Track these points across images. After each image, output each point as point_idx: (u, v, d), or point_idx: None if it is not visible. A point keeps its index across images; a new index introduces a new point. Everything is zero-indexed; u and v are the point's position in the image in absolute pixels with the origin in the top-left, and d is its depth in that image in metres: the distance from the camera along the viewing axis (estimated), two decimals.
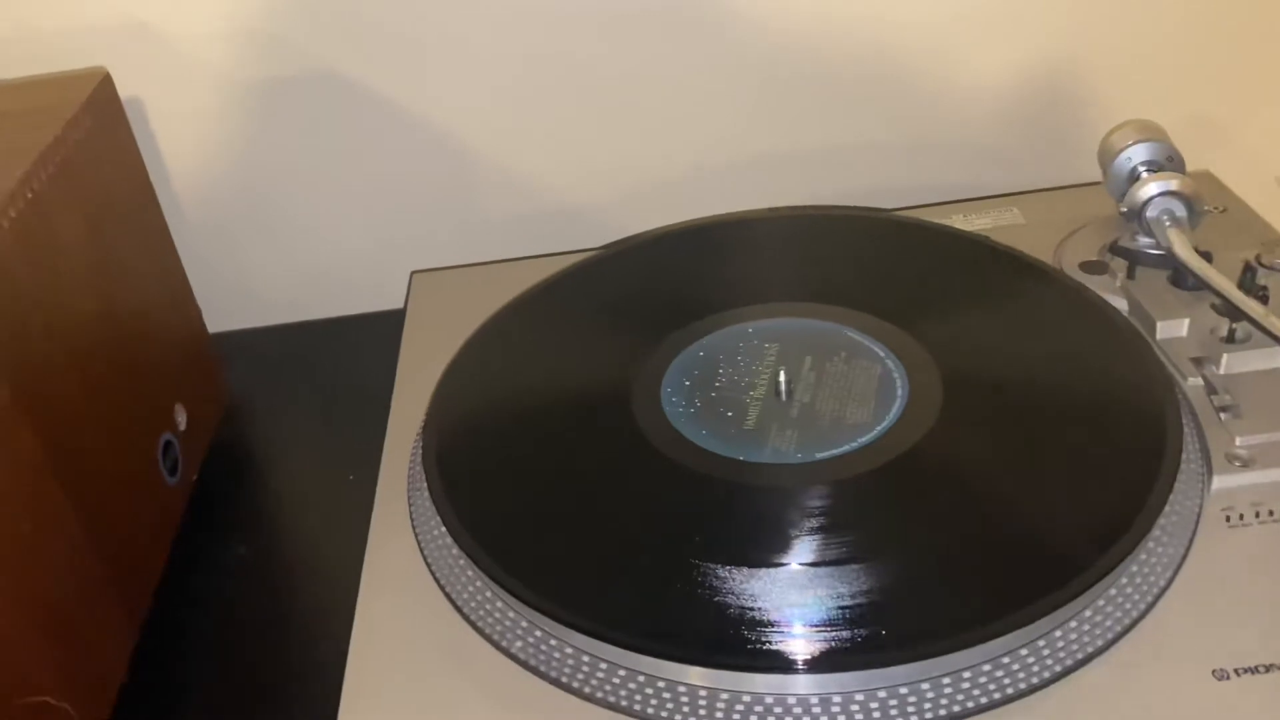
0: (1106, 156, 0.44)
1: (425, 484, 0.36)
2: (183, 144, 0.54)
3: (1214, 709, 0.28)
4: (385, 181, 0.57)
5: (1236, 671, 0.29)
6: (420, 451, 0.38)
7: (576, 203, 0.57)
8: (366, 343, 0.55)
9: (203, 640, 0.40)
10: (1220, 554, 0.32)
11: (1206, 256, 0.40)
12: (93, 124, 0.41)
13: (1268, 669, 0.29)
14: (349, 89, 0.54)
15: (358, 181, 0.56)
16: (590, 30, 0.53)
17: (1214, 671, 0.29)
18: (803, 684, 0.29)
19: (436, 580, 0.34)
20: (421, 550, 0.35)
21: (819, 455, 0.35)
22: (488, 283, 0.47)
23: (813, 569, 0.31)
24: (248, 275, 0.58)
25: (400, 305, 0.49)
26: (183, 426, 0.45)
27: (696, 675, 0.29)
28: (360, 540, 0.36)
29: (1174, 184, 0.41)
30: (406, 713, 0.31)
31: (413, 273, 0.51)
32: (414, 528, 0.36)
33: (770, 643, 0.29)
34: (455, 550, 0.34)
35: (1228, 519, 0.33)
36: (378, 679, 0.32)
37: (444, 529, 0.34)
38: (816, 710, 0.28)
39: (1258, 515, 0.33)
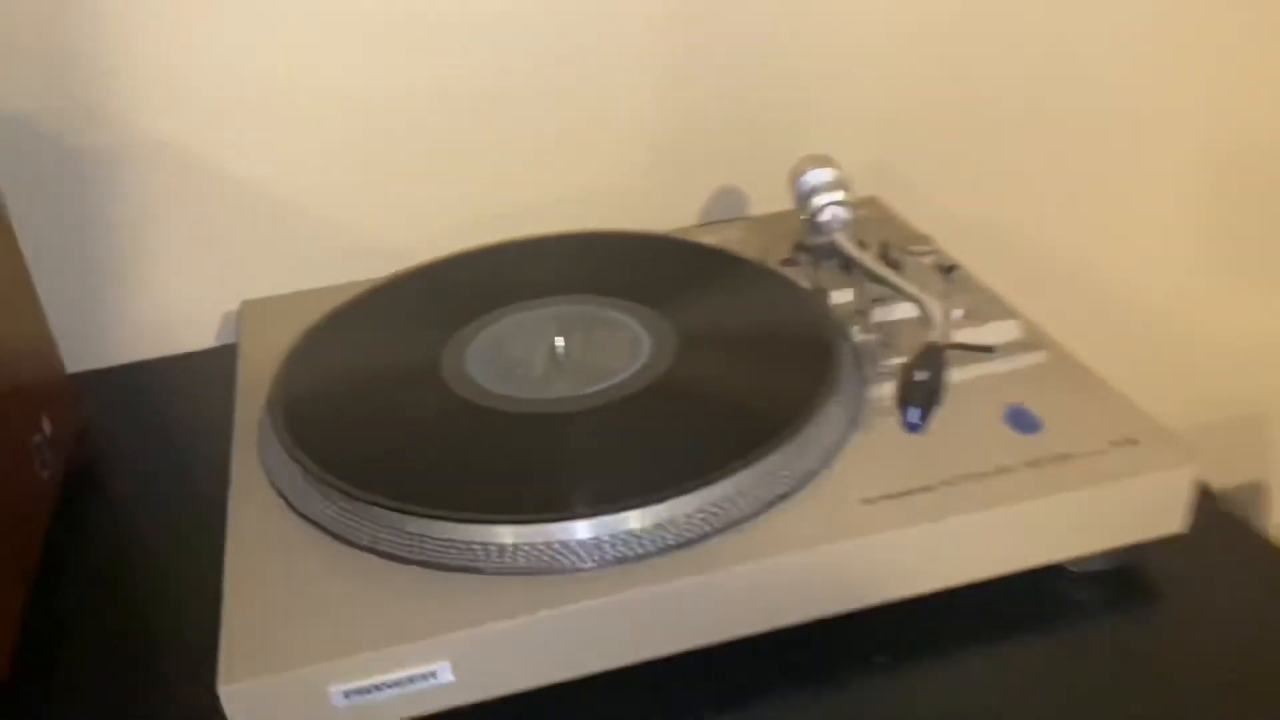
0: (793, 178, 0.58)
1: (274, 434, 0.45)
2: (34, 209, 0.61)
3: (863, 522, 0.41)
4: (219, 231, 0.65)
5: (879, 499, 0.42)
6: (268, 416, 0.47)
7: (395, 244, 0.68)
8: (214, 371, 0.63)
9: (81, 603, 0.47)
10: (872, 432, 0.45)
11: (885, 252, 0.55)
12: None
13: (897, 495, 0.42)
14: (178, 151, 0.63)
15: (196, 231, 0.65)
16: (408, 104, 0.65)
17: (863, 499, 0.42)
18: (582, 528, 0.39)
19: (290, 505, 0.43)
20: (275, 486, 0.44)
21: (588, 390, 0.46)
22: (314, 306, 0.56)
23: (587, 452, 0.42)
24: (99, 320, 0.65)
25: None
26: (49, 433, 0.52)
27: (508, 533, 0.40)
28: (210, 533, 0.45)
29: (839, 195, 0.56)
30: (281, 606, 0.39)
31: (243, 302, 0.60)
32: (266, 470, 0.45)
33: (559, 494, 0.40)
34: (305, 477, 0.43)
35: (877, 412, 0.46)
36: (252, 585, 0.40)
37: (293, 463, 0.44)
38: (586, 546, 0.39)
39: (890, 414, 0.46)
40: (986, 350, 0.47)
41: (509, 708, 0.39)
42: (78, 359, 0.62)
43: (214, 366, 0.64)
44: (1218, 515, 0.47)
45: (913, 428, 0.42)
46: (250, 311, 0.59)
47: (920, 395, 0.42)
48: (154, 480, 0.55)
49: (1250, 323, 0.90)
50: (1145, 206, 0.83)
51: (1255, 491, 0.97)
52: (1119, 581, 0.45)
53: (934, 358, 0.44)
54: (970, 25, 0.72)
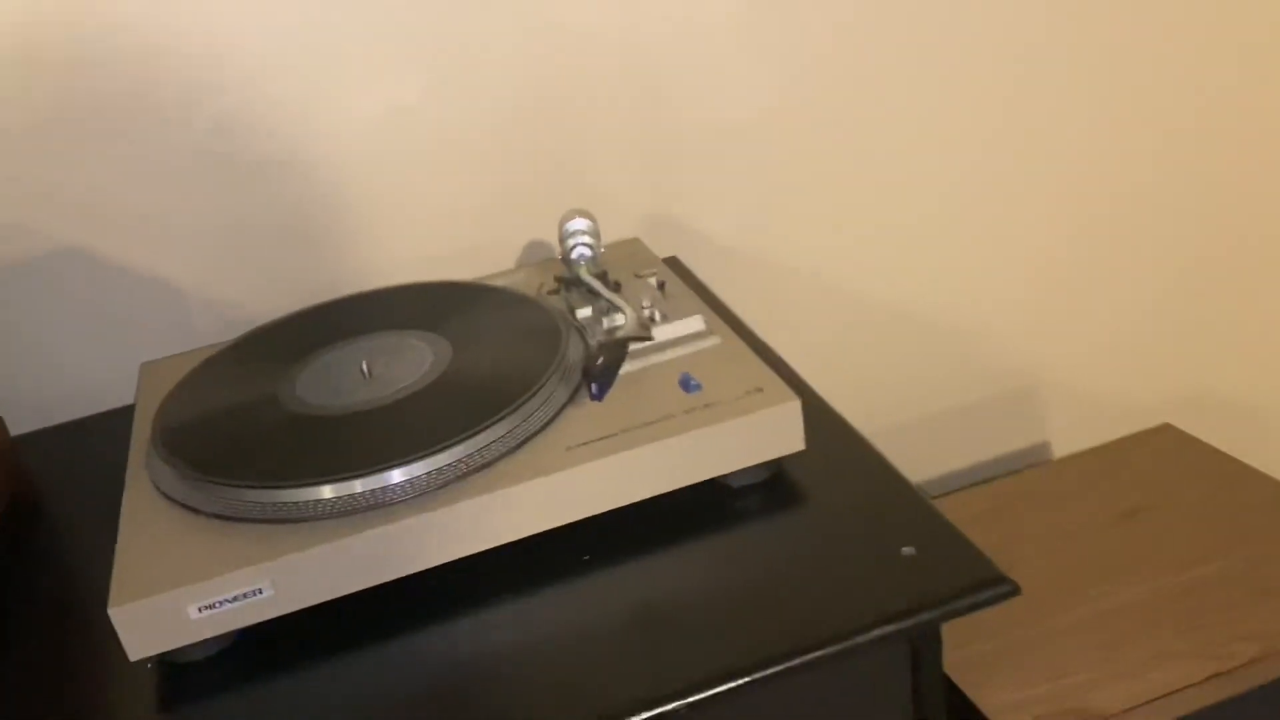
0: (559, 225, 0.76)
1: (152, 443, 0.63)
2: None
3: (562, 461, 0.58)
4: (119, 310, 0.83)
5: (574, 446, 0.59)
6: (151, 432, 0.64)
7: (261, 310, 0.86)
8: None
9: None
10: (584, 405, 0.62)
11: (603, 276, 0.73)
12: None
13: (589, 442, 0.59)
14: (84, 256, 0.81)
15: (103, 309, 0.83)
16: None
17: (567, 447, 0.59)
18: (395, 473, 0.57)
19: (162, 493, 0.60)
20: (153, 482, 0.61)
21: (383, 394, 0.64)
22: (193, 361, 0.73)
23: (386, 431, 0.60)
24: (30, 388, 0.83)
25: None
26: None
27: (303, 493, 0.57)
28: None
29: (585, 239, 0.74)
30: (153, 556, 0.56)
31: (141, 363, 0.77)
32: (149, 471, 0.62)
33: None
34: (176, 474, 0.60)
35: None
36: (135, 543, 0.57)
37: (162, 461, 0.61)
38: (398, 489, 0.56)
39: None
40: (647, 339, 0.65)
41: (317, 616, 0.56)
42: (15, 423, 0.79)
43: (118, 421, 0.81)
44: (846, 432, 0.65)
45: (594, 396, 0.60)
46: (147, 370, 0.76)
47: (595, 373, 0.60)
48: (78, 517, 0.72)
49: (1016, 303, 1.08)
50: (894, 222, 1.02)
51: (1042, 449, 1.15)
52: (767, 490, 0.62)
53: (614, 347, 0.62)
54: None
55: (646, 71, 0.89)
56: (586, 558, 0.59)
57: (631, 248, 0.82)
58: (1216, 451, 0.96)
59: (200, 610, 0.54)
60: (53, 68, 0.76)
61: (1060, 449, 1.15)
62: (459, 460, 0.58)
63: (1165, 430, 1.00)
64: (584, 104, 0.89)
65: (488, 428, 0.59)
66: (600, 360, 0.60)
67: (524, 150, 0.89)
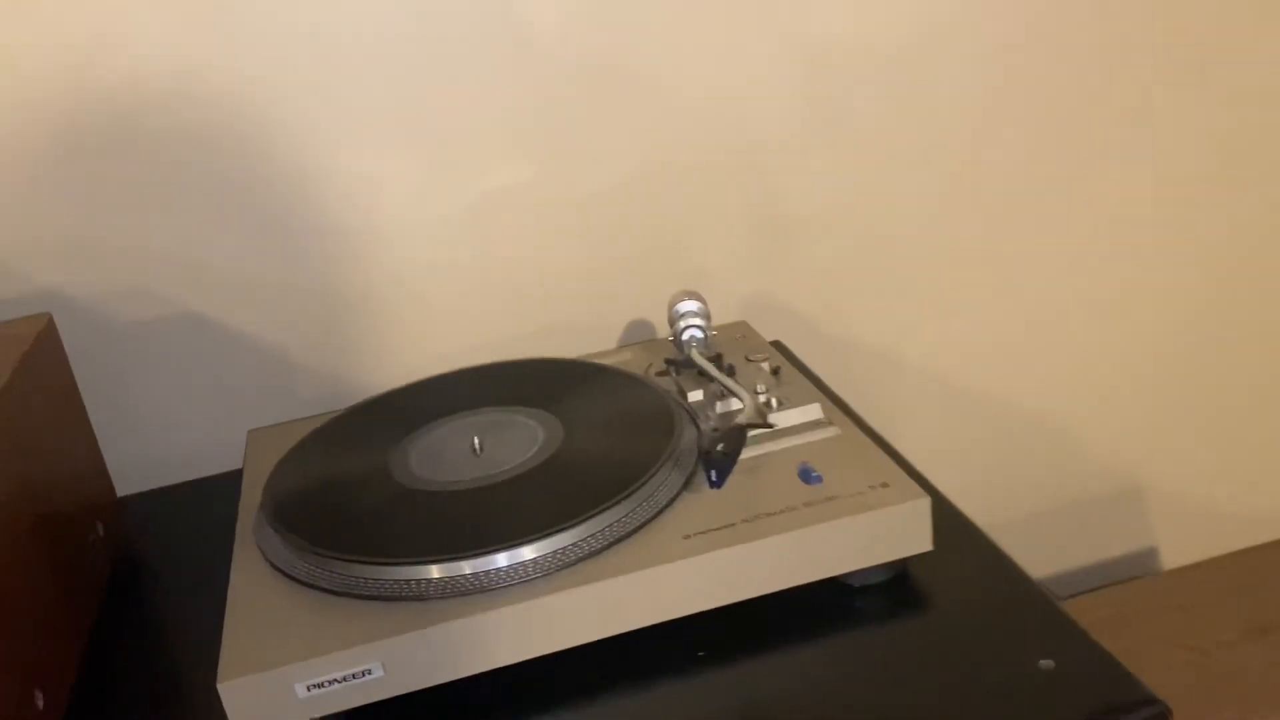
0: (669, 307, 0.75)
1: (263, 516, 0.62)
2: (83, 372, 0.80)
3: (679, 550, 0.56)
4: (227, 375, 0.84)
5: (691, 535, 0.57)
6: (261, 504, 0.64)
7: (367, 383, 0.86)
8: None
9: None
10: (701, 491, 0.61)
11: (717, 359, 0.72)
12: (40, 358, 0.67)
13: (706, 531, 0.57)
14: (196, 322, 0.82)
15: (211, 374, 0.83)
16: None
17: (684, 535, 0.57)
18: (504, 557, 0.55)
19: (273, 565, 0.59)
20: (263, 554, 0.61)
21: (493, 472, 0.63)
22: (300, 430, 0.73)
23: (496, 511, 0.59)
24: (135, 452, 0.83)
25: None
26: (102, 534, 0.69)
27: (410, 571, 0.55)
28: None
29: (697, 320, 0.73)
30: (262, 630, 0.55)
31: (249, 431, 0.77)
32: (259, 544, 0.61)
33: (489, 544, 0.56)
34: (285, 547, 0.59)
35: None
36: (243, 617, 0.56)
37: (274, 533, 0.60)
38: (509, 572, 0.55)
39: None
40: (769, 427, 0.63)
41: (424, 699, 0.54)
42: (121, 484, 0.80)
43: (222, 487, 0.81)
44: (972, 534, 0.62)
45: (713, 484, 0.58)
46: (254, 438, 0.76)
47: (716, 460, 0.58)
48: (183, 578, 0.72)
49: (1115, 409, 1.05)
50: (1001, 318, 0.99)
51: (1150, 555, 1.10)
52: (890, 590, 0.59)
53: (734, 433, 0.60)
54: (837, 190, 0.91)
55: (752, 150, 0.88)
56: (701, 654, 0.57)
57: (739, 330, 0.81)
58: None
59: (308, 689, 0.53)
60: (162, 136, 0.78)
61: (1171, 557, 1.10)
62: (573, 545, 0.57)
63: None
64: (688, 183, 0.88)
65: (601, 512, 0.58)
66: (720, 446, 0.59)
67: (627, 227, 0.89)
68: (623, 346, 0.82)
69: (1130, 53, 0.93)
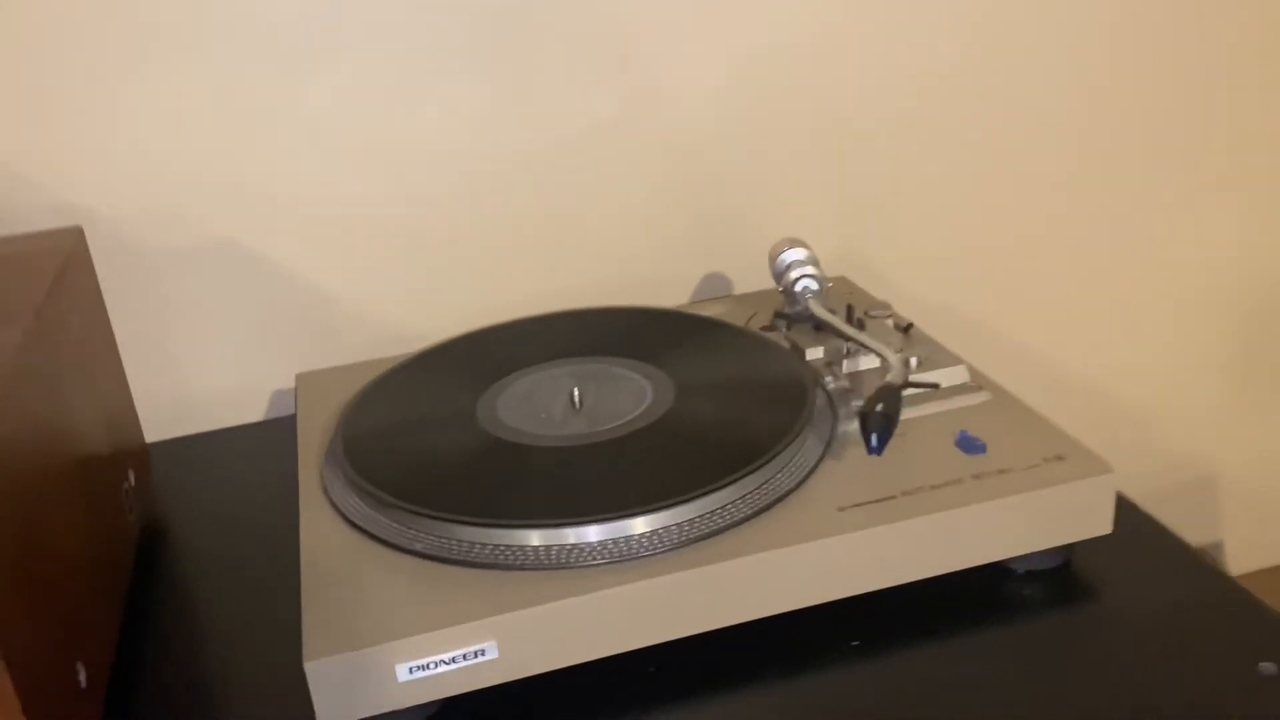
0: (771, 258, 0.67)
1: (338, 466, 0.53)
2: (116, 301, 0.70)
3: (837, 524, 0.49)
4: (262, 323, 0.75)
5: (850, 507, 0.50)
6: (332, 454, 0.55)
7: (420, 330, 0.77)
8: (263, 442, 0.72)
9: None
10: (843, 459, 0.53)
11: (848, 313, 0.64)
12: (73, 277, 0.57)
13: (863, 504, 0.50)
14: (235, 251, 0.72)
15: (247, 309, 0.74)
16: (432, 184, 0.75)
17: (838, 508, 0.50)
18: (593, 531, 0.47)
19: (352, 524, 0.51)
20: (338, 510, 0.52)
21: (599, 429, 0.55)
22: (360, 377, 0.65)
23: (600, 474, 0.50)
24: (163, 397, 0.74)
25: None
26: (134, 483, 0.60)
27: (535, 536, 0.47)
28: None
29: (809, 269, 0.66)
30: (351, 601, 0.47)
31: (298, 374, 0.68)
32: (331, 498, 0.53)
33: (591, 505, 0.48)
34: (365, 502, 0.51)
35: (848, 443, 0.54)
36: (324, 585, 0.48)
37: (356, 487, 0.52)
38: (598, 547, 0.47)
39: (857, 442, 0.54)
40: (933, 386, 0.56)
41: (543, 687, 0.46)
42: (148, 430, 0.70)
43: (262, 438, 0.73)
44: (1142, 523, 0.55)
45: (872, 450, 0.50)
46: (305, 381, 0.67)
47: (878, 423, 0.50)
48: (213, 532, 0.63)
49: (1198, 396, 0.99)
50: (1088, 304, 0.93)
51: (1215, 548, 1.05)
52: (1058, 579, 0.52)
53: (890, 394, 0.52)
54: (937, 119, 0.83)
55: (841, 105, 0.81)
56: (855, 643, 0.49)
57: (844, 286, 0.73)
58: None
59: (411, 671, 0.44)
60: (217, 35, 0.68)
61: (1236, 557, 1.05)
62: (714, 512, 0.49)
63: None
64: (773, 133, 0.80)
65: (743, 477, 0.50)
66: (880, 407, 0.51)
67: (706, 177, 0.80)
68: (713, 299, 0.74)
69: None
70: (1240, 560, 1.05)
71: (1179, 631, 0.49)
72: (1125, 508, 0.55)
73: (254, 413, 0.76)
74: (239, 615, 0.55)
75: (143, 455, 0.65)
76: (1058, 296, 0.92)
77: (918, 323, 0.65)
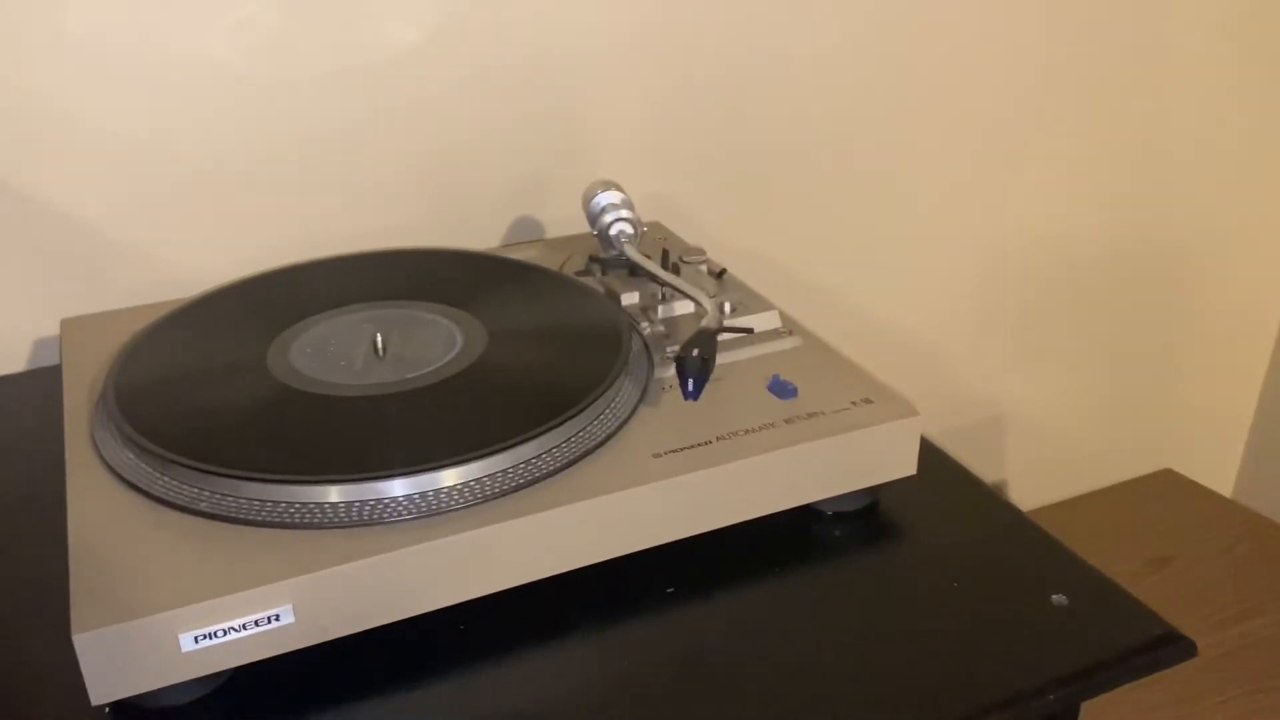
0: (585, 200, 0.65)
1: (109, 418, 0.48)
2: None
3: (653, 471, 0.47)
4: (28, 261, 0.67)
5: (665, 453, 0.49)
6: (103, 403, 0.50)
7: (200, 270, 0.71)
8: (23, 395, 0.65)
9: None
10: (659, 405, 0.52)
11: (662, 258, 0.63)
12: None
13: (679, 450, 0.49)
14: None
15: (4, 260, 0.66)
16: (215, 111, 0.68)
17: (653, 454, 0.48)
18: (399, 485, 0.45)
19: (126, 482, 0.46)
20: (111, 467, 0.47)
21: (405, 376, 0.52)
22: (133, 322, 0.59)
23: (406, 426, 0.47)
24: None
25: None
26: None
27: (334, 492, 0.44)
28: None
29: (624, 213, 0.64)
30: (126, 566, 0.42)
31: (62, 320, 0.62)
32: (101, 455, 0.48)
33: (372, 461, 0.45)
34: (142, 460, 0.46)
35: (664, 389, 0.53)
36: (95, 549, 0.43)
37: (128, 441, 0.47)
38: (404, 501, 0.44)
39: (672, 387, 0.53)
40: (748, 331, 0.56)
41: (345, 651, 0.43)
42: None
43: (24, 390, 0.65)
44: (945, 464, 0.57)
45: (689, 395, 0.50)
46: (71, 327, 0.61)
47: (694, 368, 0.50)
48: None
49: (986, 345, 1.04)
50: (891, 255, 0.95)
51: (999, 487, 1.11)
52: (865, 521, 0.53)
53: (706, 339, 0.51)
54: (759, 76, 0.83)
55: (663, 45, 0.79)
56: (670, 590, 0.49)
57: (658, 231, 0.72)
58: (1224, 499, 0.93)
59: (196, 640, 0.41)
60: None
61: (1021, 490, 1.11)
62: (526, 463, 0.47)
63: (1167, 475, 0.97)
64: (592, 68, 0.78)
65: (557, 426, 0.48)
66: (696, 352, 0.50)
67: (523, 112, 0.77)
68: (524, 243, 0.72)
69: None
70: (1022, 497, 1.11)
71: (979, 566, 0.51)
72: (926, 448, 0.56)
73: (13, 363, 0.68)
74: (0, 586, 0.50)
75: None
76: (866, 246, 0.94)
77: (730, 269, 0.65)
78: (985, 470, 1.10)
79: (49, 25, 0.63)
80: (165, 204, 0.69)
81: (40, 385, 0.63)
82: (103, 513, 0.45)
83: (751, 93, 0.83)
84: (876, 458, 0.52)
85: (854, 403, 0.52)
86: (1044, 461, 1.11)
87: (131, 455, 0.47)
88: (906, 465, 0.53)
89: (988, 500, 0.55)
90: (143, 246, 0.70)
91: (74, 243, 0.68)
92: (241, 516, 0.44)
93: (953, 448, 0.61)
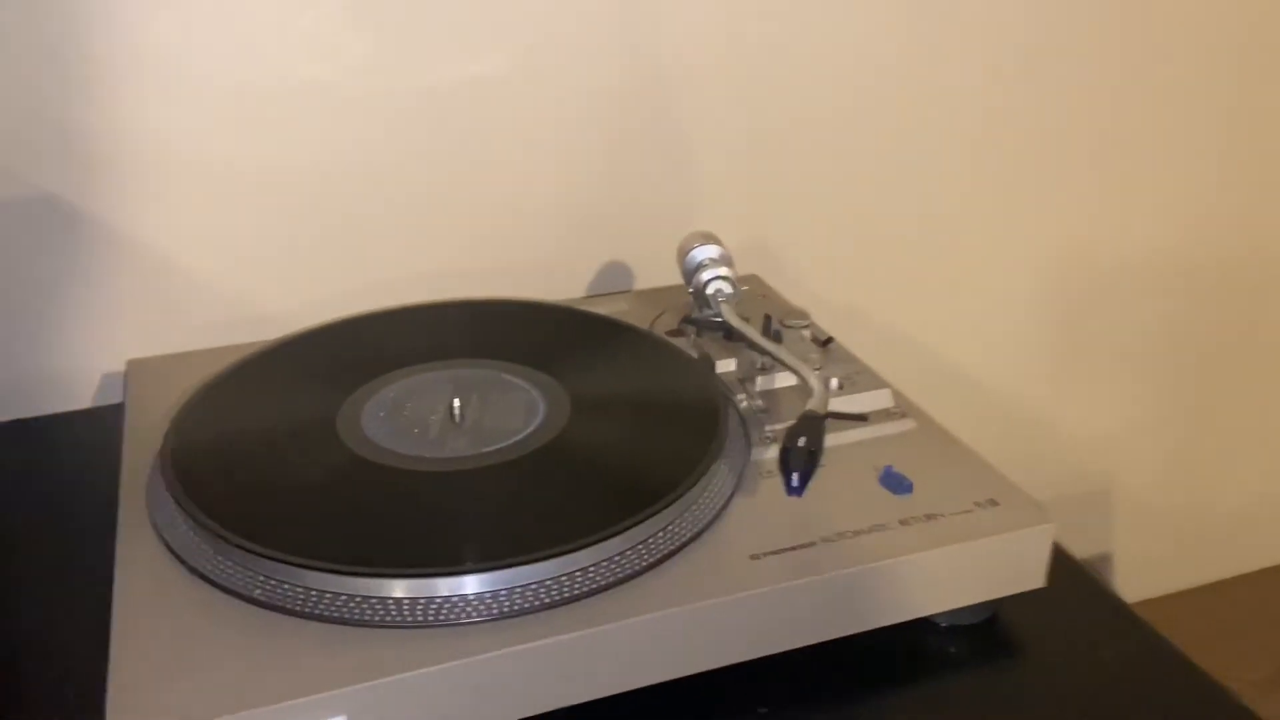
0: (680, 254, 0.61)
1: (164, 486, 0.45)
2: None
3: (750, 577, 0.42)
4: (100, 291, 0.64)
5: (764, 555, 0.44)
6: (158, 468, 0.46)
7: (281, 310, 0.67)
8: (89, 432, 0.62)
9: None
10: (756, 493, 0.47)
11: (765, 324, 0.58)
12: None
13: (779, 551, 0.44)
14: (62, 209, 0.62)
15: (75, 289, 0.64)
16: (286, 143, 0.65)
17: (750, 555, 0.43)
18: (471, 582, 0.40)
19: (179, 559, 0.43)
20: (163, 539, 0.44)
21: (483, 450, 0.48)
22: (203, 366, 0.56)
23: (479, 509, 0.43)
24: None
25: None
26: None
27: (399, 587, 0.40)
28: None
29: (723, 270, 0.59)
30: (170, 660, 0.39)
31: (128, 361, 0.59)
32: (155, 523, 0.44)
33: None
34: (193, 529, 0.43)
35: (761, 475, 0.48)
36: (140, 639, 0.39)
37: (182, 514, 0.43)
38: (475, 601, 0.40)
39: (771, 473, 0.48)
40: (861, 419, 0.50)
41: None
42: None
43: (90, 427, 0.63)
44: (1074, 573, 0.51)
45: (793, 491, 0.44)
46: (137, 370, 0.58)
47: (800, 461, 0.44)
48: (23, 536, 0.53)
49: (1093, 409, 0.97)
50: (993, 302, 0.89)
51: (1104, 562, 1.04)
52: (985, 635, 0.48)
53: (813, 425, 0.46)
54: (842, 123, 0.78)
55: (758, 78, 0.74)
56: (763, 711, 0.44)
57: (757, 287, 0.67)
58: None
59: None
60: None
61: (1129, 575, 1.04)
62: (609, 560, 0.42)
63: None
64: (688, 109, 0.73)
65: (646, 518, 0.43)
66: (802, 441, 0.45)
67: (615, 150, 0.73)
68: (613, 294, 0.68)
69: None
70: (1130, 583, 1.04)
71: (1110, 694, 0.45)
72: (1053, 552, 0.50)
73: (80, 399, 0.66)
74: (48, 627, 0.46)
75: None
76: (958, 291, 0.88)
77: (822, 323, 0.59)
78: (1093, 548, 1.03)
79: (129, 47, 0.60)
80: (241, 237, 0.66)
81: (104, 422, 0.60)
82: (150, 590, 0.42)
83: (853, 141, 0.78)
84: (1001, 568, 0.46)
85: (977, 504, 0.47)
86: (1157, 543, 1.03)
87: (183, 527, 0.44)
88: (1034, 577, 0.47)
89: (1122, 616, 0.49)
90: (219, 281, 0.67)
91: (148, 272, 0.65)
92: (297, 609, 0.40)
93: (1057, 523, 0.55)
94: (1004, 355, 0.91)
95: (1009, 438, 0.93)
